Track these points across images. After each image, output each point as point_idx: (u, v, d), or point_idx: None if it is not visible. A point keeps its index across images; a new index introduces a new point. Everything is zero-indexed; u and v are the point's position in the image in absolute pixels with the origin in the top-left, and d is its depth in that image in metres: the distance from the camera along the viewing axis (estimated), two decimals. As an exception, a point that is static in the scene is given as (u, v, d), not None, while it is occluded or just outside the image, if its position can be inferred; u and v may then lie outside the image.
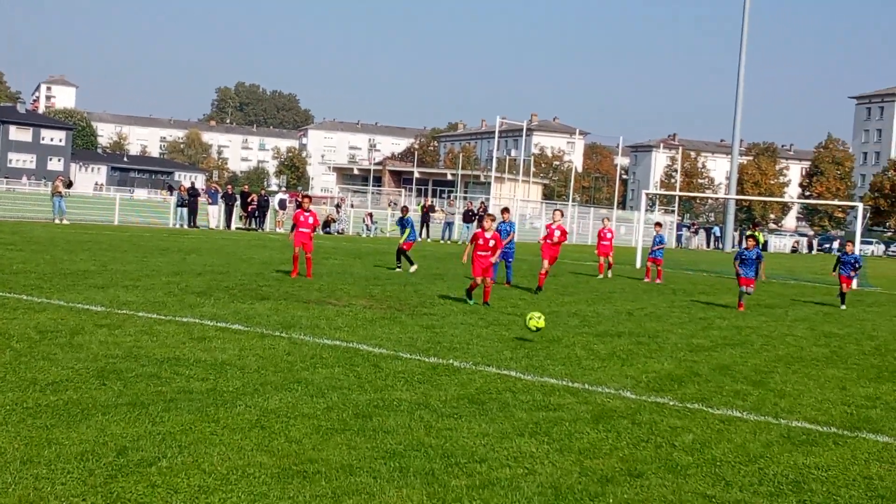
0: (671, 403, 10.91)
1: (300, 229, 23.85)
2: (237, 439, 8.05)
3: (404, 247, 28.37)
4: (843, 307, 26.54)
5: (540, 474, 7.71)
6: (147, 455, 7.41)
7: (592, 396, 10.99)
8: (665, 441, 9.09)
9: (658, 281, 31.68)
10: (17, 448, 7.37)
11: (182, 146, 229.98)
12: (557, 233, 25.17)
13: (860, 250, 42.09)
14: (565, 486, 7.41)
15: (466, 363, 12.54)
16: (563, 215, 25.47)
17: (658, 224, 33.89)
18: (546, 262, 24.55)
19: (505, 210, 27.97)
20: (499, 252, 20.43)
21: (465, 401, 10.20)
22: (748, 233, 28.36)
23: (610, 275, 32.25)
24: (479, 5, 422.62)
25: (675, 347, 15.58)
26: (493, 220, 20.68)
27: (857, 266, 27.96)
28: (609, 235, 33.05)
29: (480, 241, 20.15)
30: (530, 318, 14.78)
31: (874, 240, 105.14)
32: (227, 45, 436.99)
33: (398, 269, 27.89)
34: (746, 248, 24.05)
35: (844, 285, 27.31)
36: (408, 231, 28.68)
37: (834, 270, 28.01)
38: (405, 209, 30.47)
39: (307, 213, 24.09)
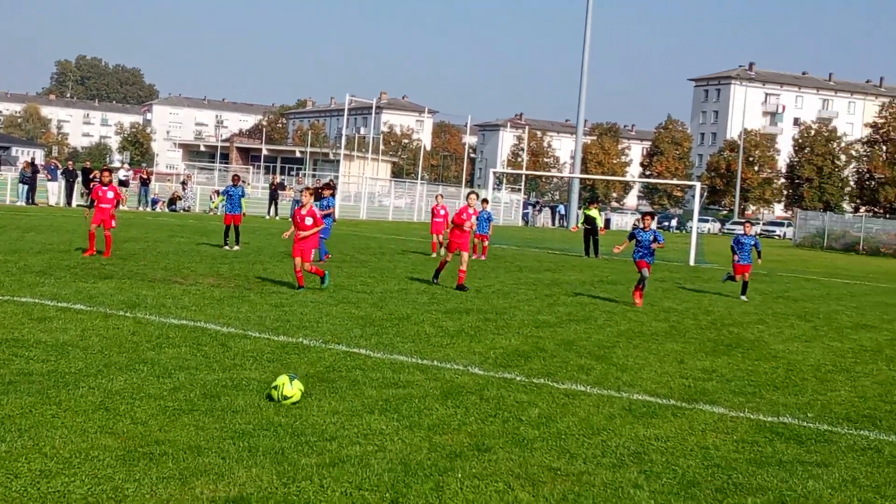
0: (518, 379, 11.12)
1: (100, 205, 22.49)
2: (80, 422, 7.88)
3: (235, 221, 27.56)
4: (744, 298, 23.25)
5: (390, 451, 7.78)
6: (-15, 440, 7.19)
7: (441, 373, 11.12)
8: (512, 416, 9.27)
9: (482, 257, 31.14)
10: None
11: (20, 120, 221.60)
12: (473, 219, 21.71)
13: (697, 228, 43.45)
14: (415, 462, 7.50)
15: (316, 341, 12.52)
16: (478, 198, 22.85)
17: (485, 201, 33.72)
18: (464, 255, 21.19)
19: (326, 186, 27.68)
20: (318, 229, 18.75)
21: (315, 379, 10.20)
22: (644, 211, 24.37)
23: (443, 253, 31.18)
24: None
25: (522, 324, 15.86)
26: (311, 194, 19.56)
27: (758, 250, 24.25)
28: (442, 213, 32.06)
29: (297, 219, 18.73)
30: (282, 387, 9.17)
31: (710, 218, 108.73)
32: (67, 17, 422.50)
33: (236, 248, 26.98)
34: (642, 229, 20.69)
35: (745, 273, 23.68)
36: (221, 200, 27.49)
37: (735, 254, 23.86)
38: (236, 178, 29.69)
39: (106, 188, 22.83)
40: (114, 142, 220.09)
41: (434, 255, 30.80)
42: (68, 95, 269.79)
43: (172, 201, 56.56)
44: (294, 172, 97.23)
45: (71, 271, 18.35)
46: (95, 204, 22.73)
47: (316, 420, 8.54)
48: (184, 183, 63.74)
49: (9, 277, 16.74)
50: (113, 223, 22.71)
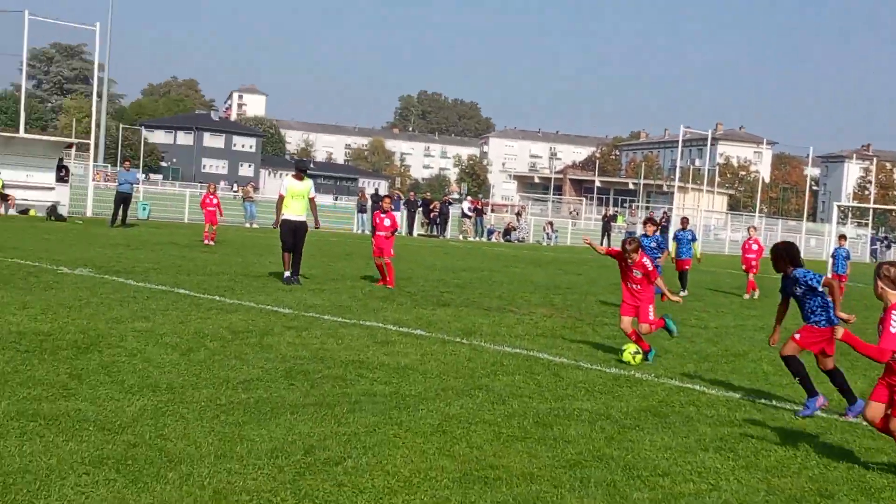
0: (864, 424, 10.47)
1: (378, 233, 21.47)
2: (419, 443, 8.15)
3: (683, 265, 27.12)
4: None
5: (725, 490, 7.54)
6: (333, 454, 7.58)
7: (779, 414, 10.67)
8: (857, 462, 8.74)
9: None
10: (211, 443, 7.66)
11: (366, 153, 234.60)
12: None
13: None
14: (751, 505, 7.22)
15: (648, 375, 12.36)
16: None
17: (842, 237, 30.54)
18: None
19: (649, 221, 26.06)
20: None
21: (647, 413, 10.06)
22: None
23: (756, 295, 26.84)
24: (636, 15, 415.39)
25: None
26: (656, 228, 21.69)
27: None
28: (755, 248, 28.38)
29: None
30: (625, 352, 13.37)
31: None
32: (411, 55, 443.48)
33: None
34: None
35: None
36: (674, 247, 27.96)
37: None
38: (685, 220, 29.91)
39: (384, 215, 21.62)
40: (452, 173, 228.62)
41: (747, 296, 27.03)
42: (410, 129, 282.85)
43: (507, 232, 57.96)
44: (627, 204, 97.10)
45: (412, 298, 19.13)
46: (374, 231, 21.99)
47: (648, 454, 8.41)
48: (518, 214, 65.19)
49: (355, 302, 17.69)
50: (392, 251, 21.55)
